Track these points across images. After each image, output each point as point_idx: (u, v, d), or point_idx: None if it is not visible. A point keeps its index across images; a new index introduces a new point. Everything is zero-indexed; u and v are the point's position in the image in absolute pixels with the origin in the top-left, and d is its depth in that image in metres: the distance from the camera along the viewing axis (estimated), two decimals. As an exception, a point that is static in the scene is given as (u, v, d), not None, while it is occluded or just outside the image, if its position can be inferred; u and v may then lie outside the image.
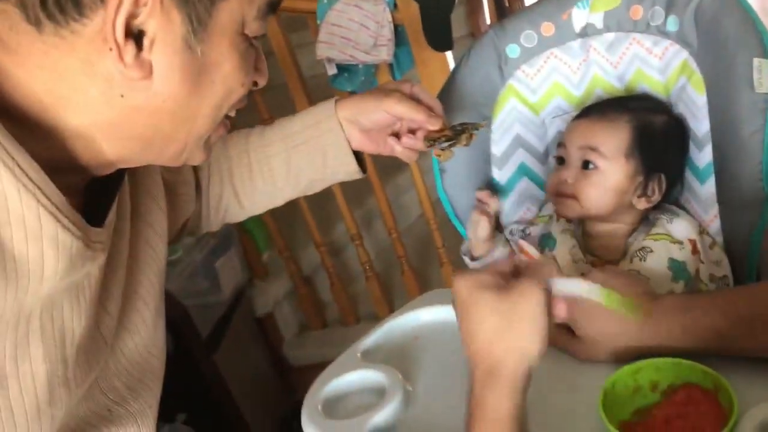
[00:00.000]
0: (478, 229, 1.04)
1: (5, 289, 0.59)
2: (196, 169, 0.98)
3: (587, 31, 1.03)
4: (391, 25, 1.62)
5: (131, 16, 0.58)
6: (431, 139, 0.91)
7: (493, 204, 1.04)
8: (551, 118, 1.09)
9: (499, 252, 1.06)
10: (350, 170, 1.00)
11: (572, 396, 0.81)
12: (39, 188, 0.59)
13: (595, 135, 0.98)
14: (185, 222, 0.98)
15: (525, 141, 1.10)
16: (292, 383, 2.26)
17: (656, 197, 0.99)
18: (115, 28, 0.57)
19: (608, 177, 0.97)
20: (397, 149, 0.96)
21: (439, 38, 1.55)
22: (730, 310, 0.75)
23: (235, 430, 1.90)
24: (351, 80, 1.69)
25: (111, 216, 0.70)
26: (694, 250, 0.96)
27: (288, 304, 2.25)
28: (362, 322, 2.21)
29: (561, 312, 0.68)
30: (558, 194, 1.01)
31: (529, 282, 0.65)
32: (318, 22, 1.68)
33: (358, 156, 0.99)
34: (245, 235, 2.12)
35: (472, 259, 1.08)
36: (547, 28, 1.05)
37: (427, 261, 2.25)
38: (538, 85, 1.07)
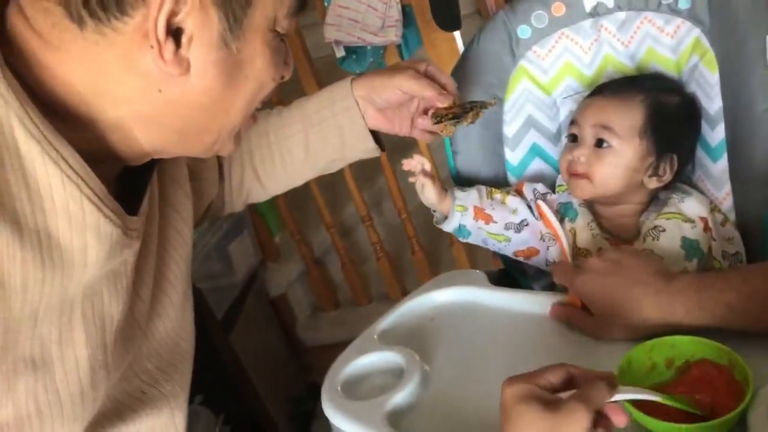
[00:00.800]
0: (425, 193, 1.02)
1: (52, 277, 0.61)
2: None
3: (598, 11, 1.03)
4: (399, 5, 1.61)
5: (171, 14, 0.59)
6: (439, 116, 0.92)
7: (423, 163, 1.01)
8: (563, 99, 1.10)
9: (473, 197, 1.03)
10: (368, 148, 1.00)
11: (588, 374, 0.82)
12: (82, 178, 0.61)
13: (609, 113, 0.98)
14: (209, 205, 1.00)
15: (537, 122, 1.10)
16: (306, 364, 2.27)
17: (667, 177, 1.00)
18: (156, 25, 0.59)
19: (621, 156, 0.97)
20: (414, 131, 0.97)
21: (447, 18, 1.55)
22: (746, 287, 0.76)
23: (251, 410, 1.92)
24: (359, 62, 1.69)
25: (145, 204, 0.72)
26: (706, 228, 0.96)
27: (300, 286, 2.26)
28: (374, 302, 2.22)
29: (620, 422, 0.63)
30: (571, 173, 1.01)
31: (578, 404, 0.61)
32: (325, 4, 1.67)
33: (375, 134, 1.00)
34: (257, 218, 2.13)
35: (444, 219, 1.05)
36: (558, 8, 1.05)
37: (437, 240, 2.25)
38: (550, 65, 1.08)
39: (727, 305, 0.76)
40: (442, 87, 0.92)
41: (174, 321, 0.83)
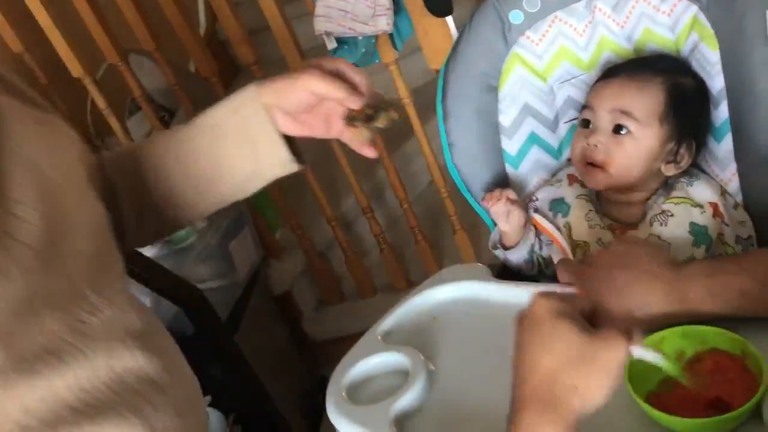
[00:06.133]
0: (510, 218, 1.00)
1: None
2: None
3: (591, -9, 1.00)
4: (389, -7, 1.58)
5: None
6: (351, 118, 0.86)
7: (511, 194, 1.00)
8: (559, 84, 1.07)
9: (532, 234, 1.03)
10: (283, 158, 0.91)
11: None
12: None
13: (627, 97, 0.94)
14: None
15: (533, 109, 1.07)
16: (313, 358, 2.27)
17: (685, 163, 0.97)
18: None
19: (641, 143, 0.94)
20: (332, 131, 0.91)
21: (439, 3, 1.52)
22: (759, 271, 0.74)
23: (261, 408, 1.92)
24: (351, 53, 1.66)
25: None
26: (716, 213, 0.94)
27: (304, 281, 2.25)
28: (379, 294, 2.20)
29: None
30: (587, 162, 0.98)
31: (619, 335, 0.61)
32: (314, -6, 1.64)
33: (293, 146, 0.93)
34: (257, 214, 2.12)
35: (506, 248, 1.04)
36: (550, -10, 1.02)
37: (439, 229, 2.23)
38: (544, 50, 1.05)
39: (740, 291, 0.74)
40: (354, 86, 0.85)
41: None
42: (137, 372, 0.68)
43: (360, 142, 0.90)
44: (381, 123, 0.86)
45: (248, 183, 0.94)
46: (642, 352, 0.65)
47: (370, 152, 0.91)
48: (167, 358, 0.73)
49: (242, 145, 0.91)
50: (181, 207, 0.94)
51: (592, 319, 0.64)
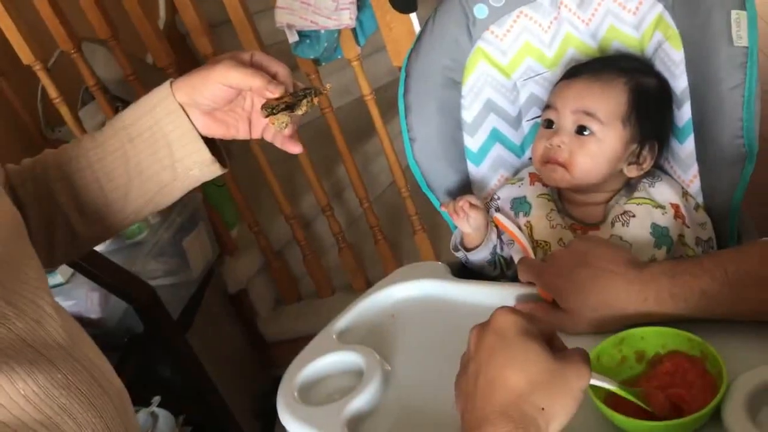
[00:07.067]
0: (471, 221, 0.98)
1: None
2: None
3: (557, -13, 0.99)
4: (352, -13, 1.55)
5: None
6: (270, 107, 0.82)
7: (472, 200, 0.98)
8: (523, 81, 1.05)
9: (494, 235, 1.01)
10: (203, 159, 0.87)
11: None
12: None
13: (591, 98, 0.94)
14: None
15: (496, 105, 1.05)
16: (269, 358, 2.24)
17: (647, 165, 0.96)
18: None
19: (604, 144, 0.93)
20: (254, 130, 0.88)
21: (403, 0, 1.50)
22: (719, 272, 0.73)
23: (212, 409, 1.87)
24: (313, 47, 1.63)
25: None
26: (677, 215, 0.93)
27: (261, 280, 2.21)
28: (337, 294, 2.18)
29: None
30: (548, 161, 0.96)
31: (583, 360, 0.62)
32: (276, -14, 1.61)
33: (214, 148, 0.89)
34: (213, 211, 2.07)
35: (467, 250, 1.02)
36: (516, -15, 1.00)
37: (399, 229, 2.21)
38: (509, 46, 1.03)
39: (702, 292, 0.73)
40: (273, 76, 0.81)
41: None
42: (58, 385, 0.62)
43: (282, 136, 0.87)
44: (302, 110, 0.82)
45: (167, 188, 0.88)
46: (599, 381, 0.66)
47: (295, 148, 0.88)
48: (95, 370, 0.68)
49: (156, 146, 0.86)
50: (96, 218, 0.88)
51: (550, 342, 0.63)
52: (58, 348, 0.65)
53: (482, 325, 0.64)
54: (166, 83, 0.86)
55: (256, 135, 0.89)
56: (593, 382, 0.63)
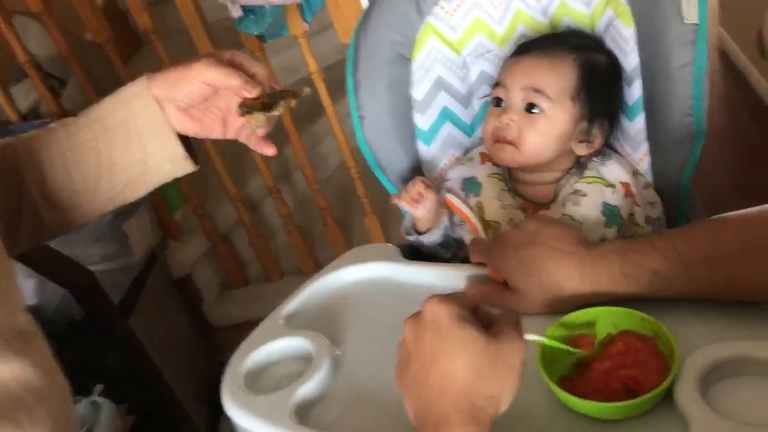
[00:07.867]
0: (423, 204, 0.95)
1: None
2: None
3: (507, -38, 0.97)
4: (299, -39, 1.51)
5: None
6: (246, 107, 0.83)
7: (423, 181, 0.96)
8: (473, 58, 1.03)
9: (446, 218, 0.99)
10: (175, 154, 0.88)
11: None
12: None
13: (539, 75, 0.92)
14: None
15: (446, 83, 1.03)
16: (216, 344, 2.19)
17: (598, 143, 0.96)
18: None
19: (553, 121, 0.92)
20: (229, 130, 0.89)
21: (351, -25, 1.46)
22: (670, 251, 0.72)
23: (157, 397, 1.83)
24: (258, 23, 1.58)
25: None
26: (627, 194, 0.93)
27: (206, 264, 2.16)
28: (286, 277, 2.15)
29: None
30: (497, 140, 0.95)
31: (516, 333, 0.61)
32: (219, -41, 1.55)
33: (188, 145, 0.89)
34: (155, 194, 2.00)
35: (419, 233, 0.99)
36: (465, -41, 0.97)
37: (349, 211, 2.19)
38: (458, 21, 1.00)
39: (653, 271, 0.73)
40: (251, 76, 0.83)
41: None
42: (18, 378, 0.59)
43: (256, 136, 0.89)
44: (278, 111, 0.84)
45: (137, 181, 0.88)
46: (531, 336, 0.66)
47: (268, 149, 0.90)
48: (48, 364, 0.65)
49: (129, 139, 0.86)
50: (63, 207, 0.87)
51: (476, 313, 0.63)
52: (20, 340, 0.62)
53: (415, 317, 0.63)
54: (143, 77, 0.86)
55: (230, 135, 0.91)
56: (526, 337, 0.63)
